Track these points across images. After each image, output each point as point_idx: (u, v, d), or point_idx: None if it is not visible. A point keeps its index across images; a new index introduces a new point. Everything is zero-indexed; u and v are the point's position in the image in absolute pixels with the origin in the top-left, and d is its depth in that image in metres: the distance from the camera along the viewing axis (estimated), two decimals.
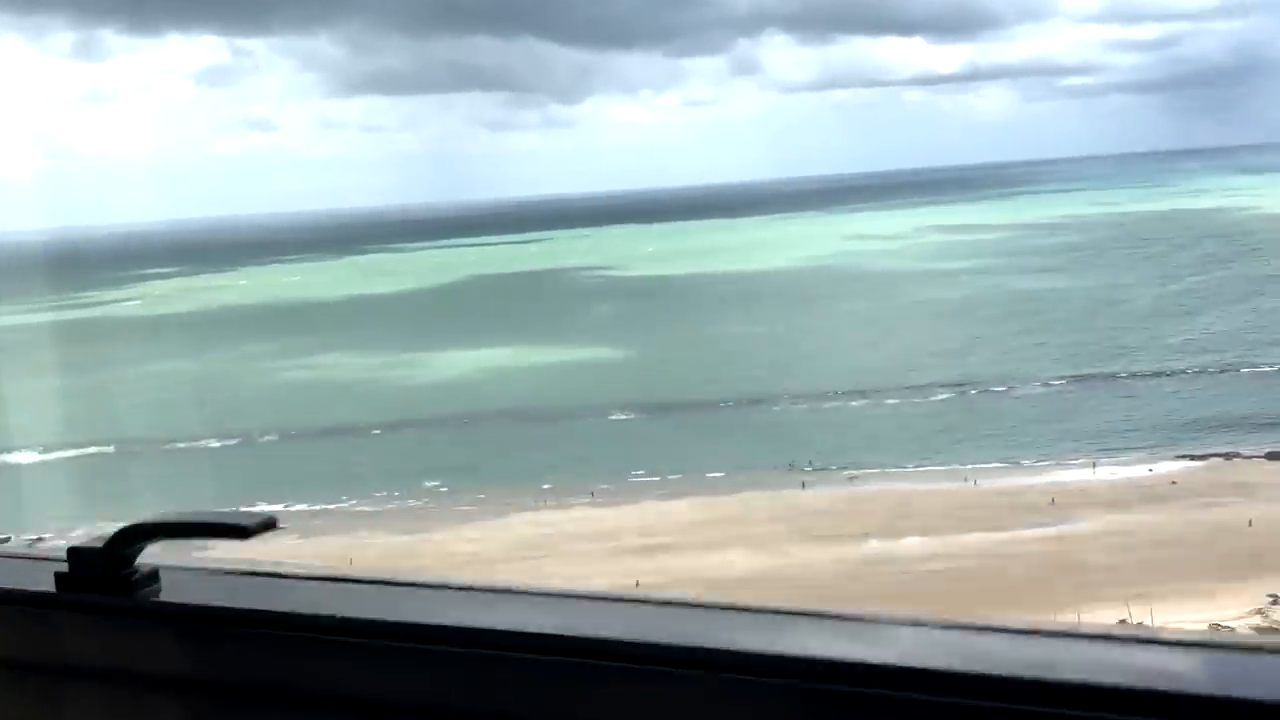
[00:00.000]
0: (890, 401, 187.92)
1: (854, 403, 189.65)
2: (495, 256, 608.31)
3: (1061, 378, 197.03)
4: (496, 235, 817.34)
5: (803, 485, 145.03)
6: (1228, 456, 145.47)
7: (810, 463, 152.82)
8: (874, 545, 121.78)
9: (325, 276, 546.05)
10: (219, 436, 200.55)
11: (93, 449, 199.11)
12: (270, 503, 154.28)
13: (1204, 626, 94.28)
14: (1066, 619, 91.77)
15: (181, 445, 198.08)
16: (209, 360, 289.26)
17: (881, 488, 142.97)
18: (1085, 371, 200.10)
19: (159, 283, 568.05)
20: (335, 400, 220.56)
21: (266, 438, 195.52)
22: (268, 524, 3.36)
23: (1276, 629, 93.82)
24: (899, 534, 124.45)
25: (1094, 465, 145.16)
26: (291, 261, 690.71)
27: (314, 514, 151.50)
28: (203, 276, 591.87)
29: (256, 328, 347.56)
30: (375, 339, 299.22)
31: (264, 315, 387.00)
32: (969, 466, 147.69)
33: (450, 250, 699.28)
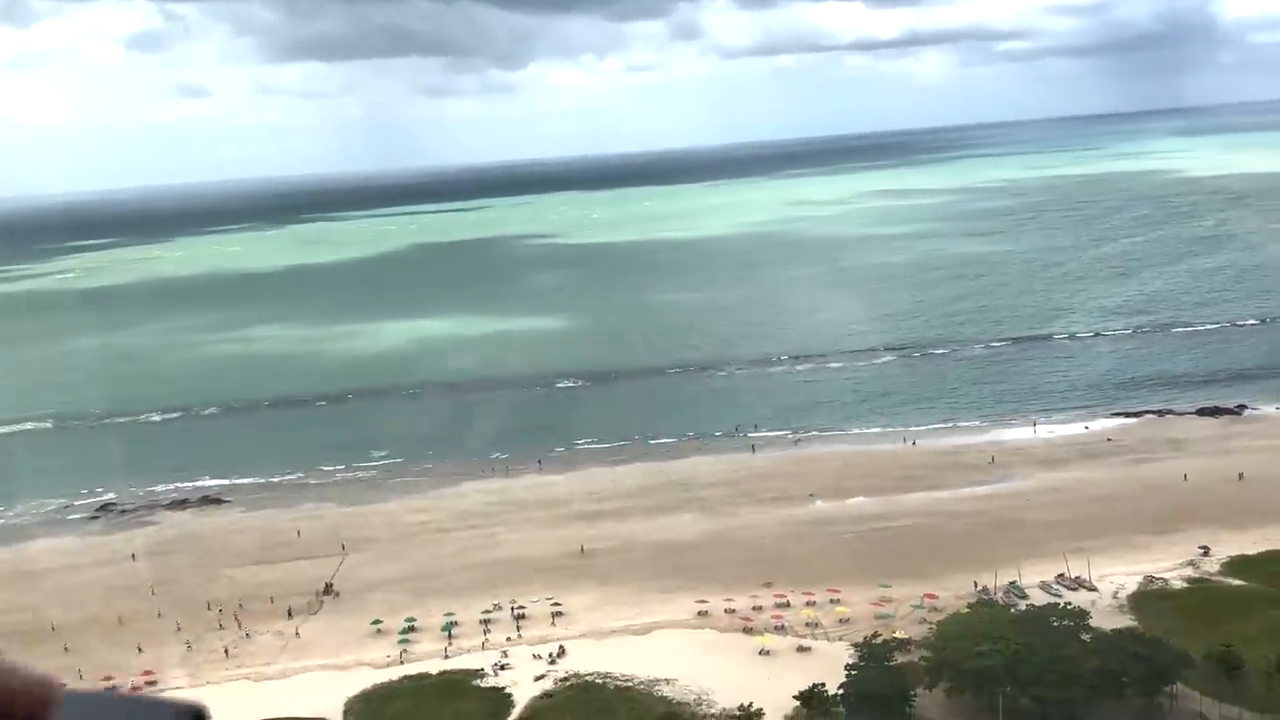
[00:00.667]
0: (834, 365, 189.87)
1: (799, 367, 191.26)
2: (436, 224, 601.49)
3: (1001, 340, 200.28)
4: (437, 203, 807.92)
5: (752, 449, 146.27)
6: (1160, 413, 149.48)
7: (756, 426, 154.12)
8: (820, 506, 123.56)
9: (263, 246, 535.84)
10: (159, 410, 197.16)
11: (30, 425, 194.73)
12: (214, 477, 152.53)
13: (1138, 578, 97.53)
14: (1008, 575, 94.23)
15: (121, 420, 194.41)
16: (145, 333, 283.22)
17: (827, 450, 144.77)
18: (1024, 333, 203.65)
19: (93, 254, 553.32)
20: (276, 372, 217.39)
21: (208, 410, 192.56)
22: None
23: (1207, 579, 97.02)
24: (844, 494, 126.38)
25: (1033, 424, 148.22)
26: (229, 231, 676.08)
27: (259, 487, 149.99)
28: (137, 247, 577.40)
29: (193, 299, 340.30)
30: (315, 310, 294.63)
31: (201, 286, 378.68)
32: (912, 428, 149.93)
33: (391, 219, 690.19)
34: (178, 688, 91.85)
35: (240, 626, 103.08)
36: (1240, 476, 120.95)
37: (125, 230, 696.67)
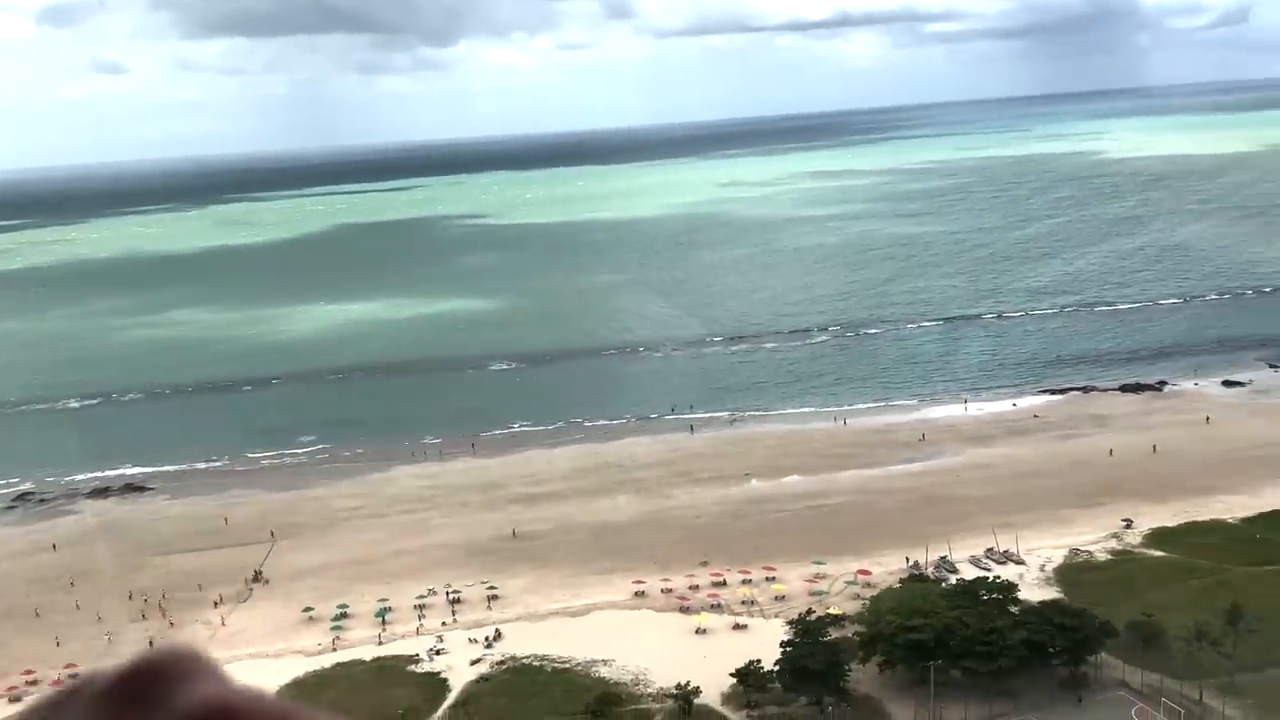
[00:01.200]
0: (769, 346, 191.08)
1: (734, 348, 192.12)
2: (364, 205, 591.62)
3: (932, 319, 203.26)
4: (366, 183, 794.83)
5: (690, 430, 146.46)
6: (1085, 390, 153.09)
7: (692, 407, 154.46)
8: (756, 485, 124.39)
9: (185, 227, 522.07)
10: (79, 396, 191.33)
11: None
12: (137, 464, 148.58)
13: (1064, 551, 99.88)
14: (939, 550, 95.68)
15: (40, 406, 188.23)
16: (61, 318, 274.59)
17: (762, 429, 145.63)
18: (954, 313, 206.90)
19: (3, 236, 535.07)
20: (199, 357, 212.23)
21: (129, 396, 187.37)
22: None
23: (1130, 551, 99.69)
24: (780, 473, 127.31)
25: (962, 402, 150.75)
26: (148, 212, 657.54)
27: (184, 474, 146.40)
28: (52, 229, 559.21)
29: (111, 282, 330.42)
30: (239, 293, 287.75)
31: (119, 269, 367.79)
32: (845, 407, 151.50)
33: (317, 199, 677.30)
34: None
35: (165, 616, 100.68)
36: (1154, 449, 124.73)
37: (38, 212, 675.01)
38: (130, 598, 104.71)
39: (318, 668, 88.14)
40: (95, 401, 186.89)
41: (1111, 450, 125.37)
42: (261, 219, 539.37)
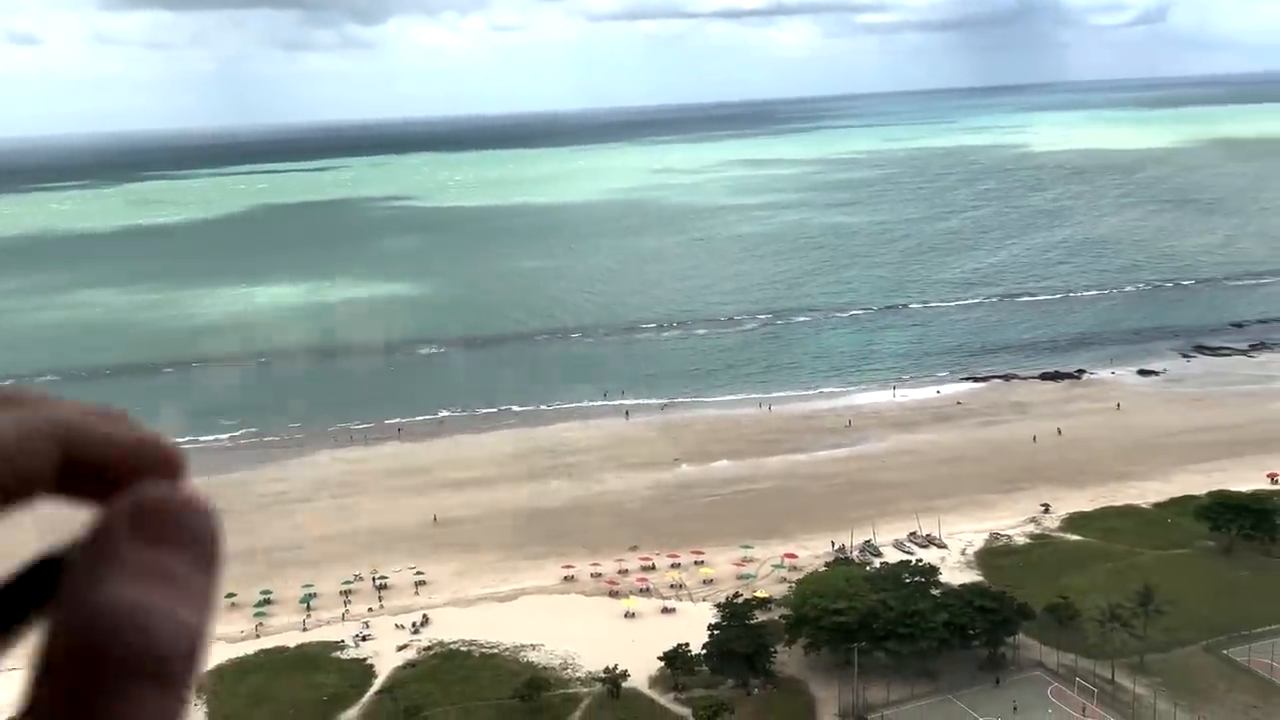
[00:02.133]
0: (699, 332, 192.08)
1: (665, 334, 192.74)
2: (287, 185, 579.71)
3: (858, 308, 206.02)
4: (291, 162, 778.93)
5: (625, 415, 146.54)
6: (1006, 378, 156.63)
7: (623, 392, 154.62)
8: (685, 470, 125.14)
9: (98, 205, 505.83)
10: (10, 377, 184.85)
11: None
12: None
13: (985, 535, 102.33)
14: (863, 534, 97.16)
15: None
16: None
17: (692, 415, 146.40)
18: (879, 303, 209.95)
19: None
20: (114, 339, 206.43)
21: (44, 378, 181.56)
22: None
23: (1048, 535, 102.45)
24: (709, 459, 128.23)
25: (888, 389, 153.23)
26: (59, 189, 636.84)
27: None
28: None
29: (21, 261, 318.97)
30: (155, 273, 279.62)
31: (26, 247, 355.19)
32: (773, 394, 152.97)
33: (238, 177, 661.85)
34: (12, 669, 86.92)
35: None
36: (1059, 432, 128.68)
37: None
38: None
39: (240, 655, 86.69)
40: (5, 382, 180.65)
41: (1035, 436, 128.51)
42: (181, 197, 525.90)
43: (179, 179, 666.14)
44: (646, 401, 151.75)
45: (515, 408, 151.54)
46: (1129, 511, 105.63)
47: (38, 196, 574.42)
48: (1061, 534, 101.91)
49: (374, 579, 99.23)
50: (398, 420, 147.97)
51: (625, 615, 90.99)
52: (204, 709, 78.18)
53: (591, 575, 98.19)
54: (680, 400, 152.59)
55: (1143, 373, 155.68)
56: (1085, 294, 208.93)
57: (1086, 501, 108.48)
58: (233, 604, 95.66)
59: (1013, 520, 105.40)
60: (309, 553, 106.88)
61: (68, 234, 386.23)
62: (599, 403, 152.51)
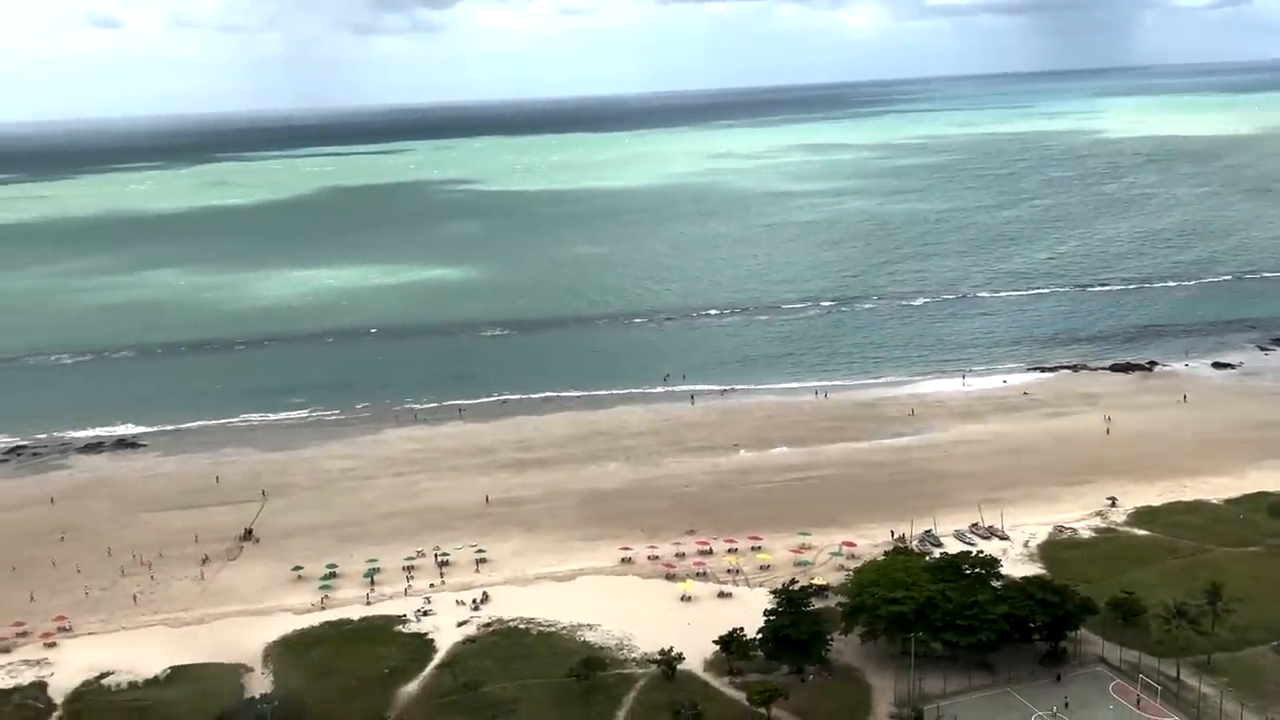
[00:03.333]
0: (761, 319, 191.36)
1: (725, 320, 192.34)
2: (354, 167, 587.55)
3: (924, 297, 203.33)
4: (357, 145, 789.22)
5: (691, 400, 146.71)
6: (1075, 369, 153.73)
7: (684, 377, 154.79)
8: (744, 456, 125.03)
9: (173, 186, 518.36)
10: (70, 353, 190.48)
11: None
12: (129, 421, 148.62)
13: (1049, 528, 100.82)
14: (923, 524, 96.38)
15: (32, 362, 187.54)
16: (44, 275, 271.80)
17: (752, 400, 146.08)
18: (946, 291, 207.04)
19: None
20: (189, 317, 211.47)
21: (121, 354, 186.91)
22: None
23: (1114, 529, 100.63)
24: (768, 445, 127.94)
25: (952, 378, 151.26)
26: (137, 169, 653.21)
27: (177, 432, 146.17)
28: (38, 184, 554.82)
29: (97, 240, 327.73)
30: (226, 253, 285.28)
31: (104, 226, 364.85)
32: (835, 381, 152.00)
33: (307, 160, 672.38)
34: (91, 633, 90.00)
35: (150, 570, 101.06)
36: (1107, 421, 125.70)
37: (28, 166, 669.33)
38: (109, 553, 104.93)
39: (306, 626, 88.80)
40: (87, 358, 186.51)
41: (1109, 429, 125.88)
42: (251, 179, 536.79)
43: (250, 160, 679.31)
44: (706, 387, 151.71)
45: (575, 391, 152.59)
46: (1199, 507, 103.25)
47: (117, 176, 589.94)
48: (1128, 528, 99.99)
49: (436, 556, 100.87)
50: (461, 401, 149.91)
51: (681, 598, 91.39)
52: (271, 679, 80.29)
53: (649, 558, 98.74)
54: (740, 386, 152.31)
55: (1218, 365, 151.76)
56: (1159, 284, 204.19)
57: (1154, 496, 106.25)
58: (300, 576, 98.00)
59: (1078, 513, 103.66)
60: (373, 528, 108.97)
61: (145, 213, 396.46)
62: (659, 388, 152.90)
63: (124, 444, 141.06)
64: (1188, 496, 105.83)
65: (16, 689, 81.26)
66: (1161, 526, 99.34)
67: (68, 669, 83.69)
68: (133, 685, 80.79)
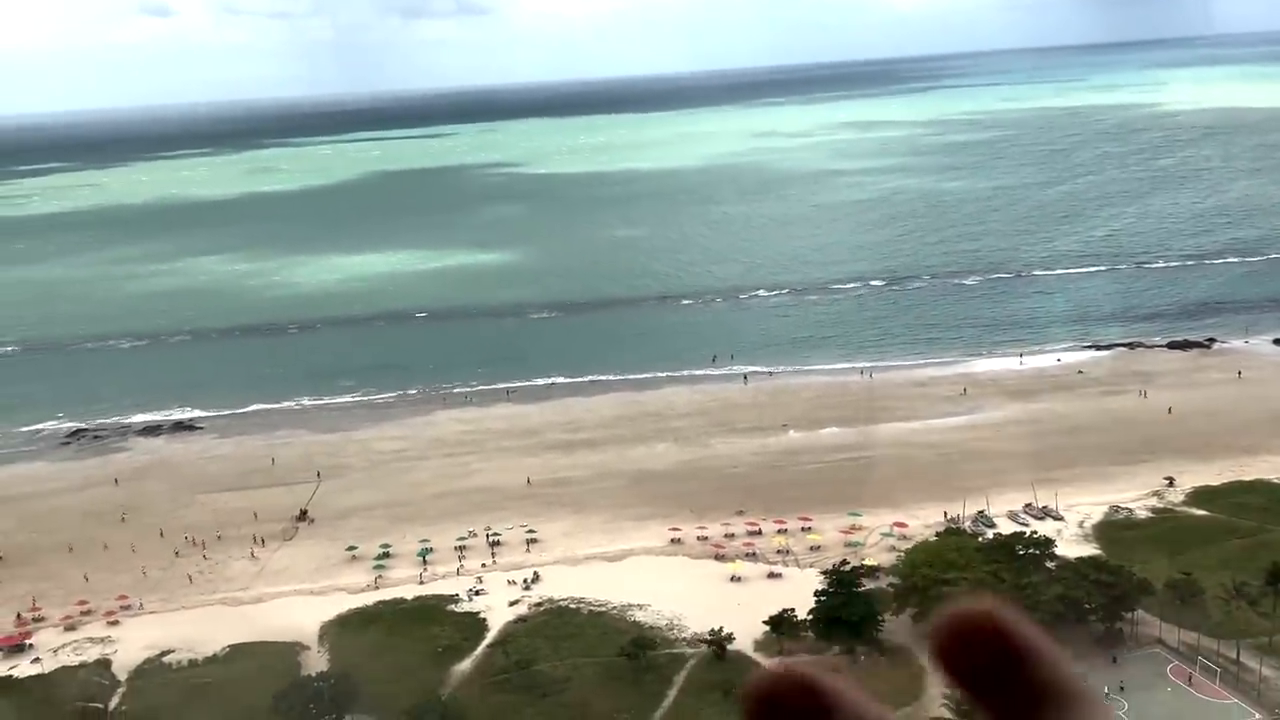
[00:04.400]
0: (811, 298, 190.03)
1: (772, 300, 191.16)
2: (400, 152, 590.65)
3: (974, 275, 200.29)
4: (404, 129, 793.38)
5: (745, 379, 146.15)
6: (1132, 346, 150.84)
7: (732, 357, 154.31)
8: (793, 436, 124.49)
9: (222, 172, 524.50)
10: (128, 338, 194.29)
11: None
12: (186, 404, 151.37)
13: (1104, 508, 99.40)
14: (976, 504, 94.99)
15: (90, 346, 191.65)
16: (97, 262, 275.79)
17: (800, 380, 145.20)
18: (997, 268, 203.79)
19: (42, 179, 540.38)
20: (240, 302, 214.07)
21: (176, 339, 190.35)
22: None
23: (1171, 509, 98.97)
24: (817, 425, 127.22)
25: (1005, 356, 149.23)
26: (186, 156, 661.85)
27: (233, 414, 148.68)
28: (90, 172, 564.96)
29: (148, 227, 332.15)
30: (275, 238, 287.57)
31: (153, 213, 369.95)
32: (885, 361, 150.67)
33: (354, 145, 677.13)
34: (151, 612, 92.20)
35: (203, 550, 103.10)
36: (1169, 411, 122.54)
37: (79, 154, 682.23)
38: (161, 535, 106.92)
39: (360, 605, 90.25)
40: (144, 343, 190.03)
41: (1170, 409, 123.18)
42: (299, 165, 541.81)
43: (298, 146, 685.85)
44: (755, 368, 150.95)
45: (623, 373, 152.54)
46: (1259, 487, 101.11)
47: (168, 164, 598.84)
48: (1186, 508, 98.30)
49: (487, 536, 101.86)
50: (509, 384, 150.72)
51: (731, 579, 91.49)
52: (327, 658, 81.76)
53: (698, 538, 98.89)
54: (788, 366, 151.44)
55: (1278, 342, 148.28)
56: (1218, 260, 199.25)
57: (1213, 475, 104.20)
58: (354, 556, 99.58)
59: (1134, 493, 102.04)
60: (425, 509, 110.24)
61: (195, 200, 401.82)
62: (707, 368, 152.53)
63: (181, 427, 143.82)
64: (1247, 476, 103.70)
65: (82, 665, 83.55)
66: (1220, 506, 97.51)
67: (130, 646, 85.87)
68: (193, 663, 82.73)
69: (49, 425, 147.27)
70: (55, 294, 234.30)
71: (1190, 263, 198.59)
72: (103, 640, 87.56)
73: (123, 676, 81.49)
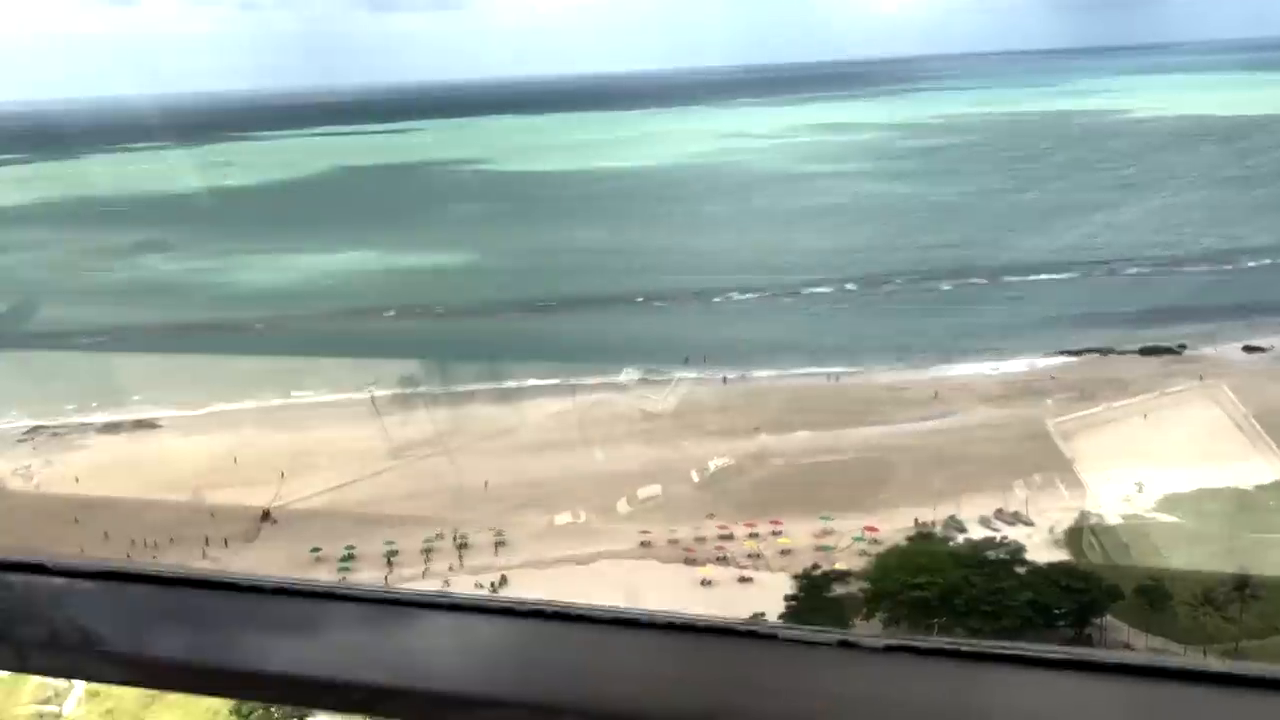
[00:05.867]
0: (785, 301, 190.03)
1: (743, 302, 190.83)
2: (364, 146, 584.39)
3: (945, 280, 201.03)
4: (370, 124, 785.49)
5: (723, 380, 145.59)
6: (1103, 353, 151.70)
7: (705, 359, 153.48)
8: (765, 439, 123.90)
9: (180, 164, 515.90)
10: (84, 334, 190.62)
11: None
12: (146, 402, 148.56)
13: (1075, 514, 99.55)
14: (946, 509, 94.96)
15: (46, 340, 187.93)
16: (57, 253, 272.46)
17: (772, 384, 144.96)
18: (966, 273, 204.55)
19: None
20: (198, 298, 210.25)
21: (134, 335, 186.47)
22: None
23: (1141, 515, 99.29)
24: (789, 428, 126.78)
25: (977, 361, 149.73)
26: (146, 149, 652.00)
27: (193, 413, 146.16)
28: (43, 164, 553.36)
29: (103, 220, 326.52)
30: (228, 234, 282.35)
31: (109, 207, 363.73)
32: (855, 366, 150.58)
33: (318, 139, 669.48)
34: None
35: (154, 552, 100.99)
36: (1145, 417, 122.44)
37: (33, 146, 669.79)
38: (105, 536, 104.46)
39: None
40: (103, 339, 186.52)
41: (1146, 415, 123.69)
42: (260, 158, 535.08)
43: (260, 140, 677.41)
44: (727, 370, 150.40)
45: (593, 375, 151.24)
46: (1228, 493, 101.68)
47: (126, 156, 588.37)
48: (1156, 514, 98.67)
49: (454, 538, 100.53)
50: (476, 385, 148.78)
51: (702, 583, 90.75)
52: None
53: (668, 542, 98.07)
54: (761, 369, 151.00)
55: (1248, 349, 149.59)
56: (1189, 269, 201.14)
57: (1182, 481, 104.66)
58: (318, 558, 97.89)
59: (1104, 499, 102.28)
60: (392, 510, 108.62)
61: (152, 194, 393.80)
62: (678, 371, 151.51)
63: (142, 425, 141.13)
64: (1217, 482, 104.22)
65: None
66: (1190, 513, 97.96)
67: None
68: None
69: (3, 423, 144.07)
70: (3, 289, 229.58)
71: (1160, 270, 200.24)
72: None
73: (79, 683, 79.45)
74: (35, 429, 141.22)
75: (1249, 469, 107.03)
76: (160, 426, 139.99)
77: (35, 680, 79.60)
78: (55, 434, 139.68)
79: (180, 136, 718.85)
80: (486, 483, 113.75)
